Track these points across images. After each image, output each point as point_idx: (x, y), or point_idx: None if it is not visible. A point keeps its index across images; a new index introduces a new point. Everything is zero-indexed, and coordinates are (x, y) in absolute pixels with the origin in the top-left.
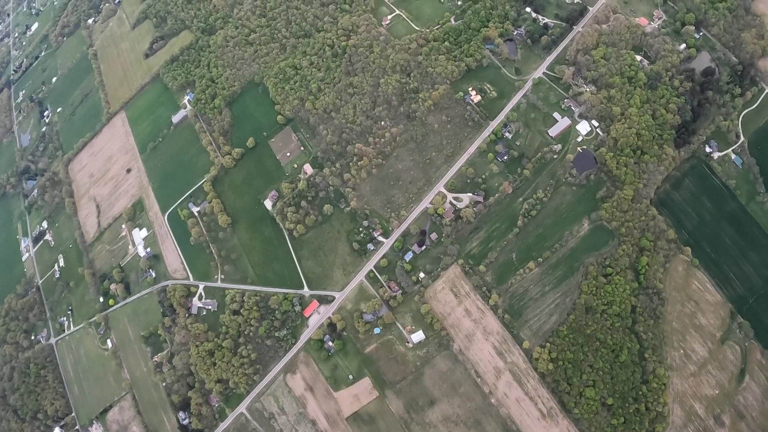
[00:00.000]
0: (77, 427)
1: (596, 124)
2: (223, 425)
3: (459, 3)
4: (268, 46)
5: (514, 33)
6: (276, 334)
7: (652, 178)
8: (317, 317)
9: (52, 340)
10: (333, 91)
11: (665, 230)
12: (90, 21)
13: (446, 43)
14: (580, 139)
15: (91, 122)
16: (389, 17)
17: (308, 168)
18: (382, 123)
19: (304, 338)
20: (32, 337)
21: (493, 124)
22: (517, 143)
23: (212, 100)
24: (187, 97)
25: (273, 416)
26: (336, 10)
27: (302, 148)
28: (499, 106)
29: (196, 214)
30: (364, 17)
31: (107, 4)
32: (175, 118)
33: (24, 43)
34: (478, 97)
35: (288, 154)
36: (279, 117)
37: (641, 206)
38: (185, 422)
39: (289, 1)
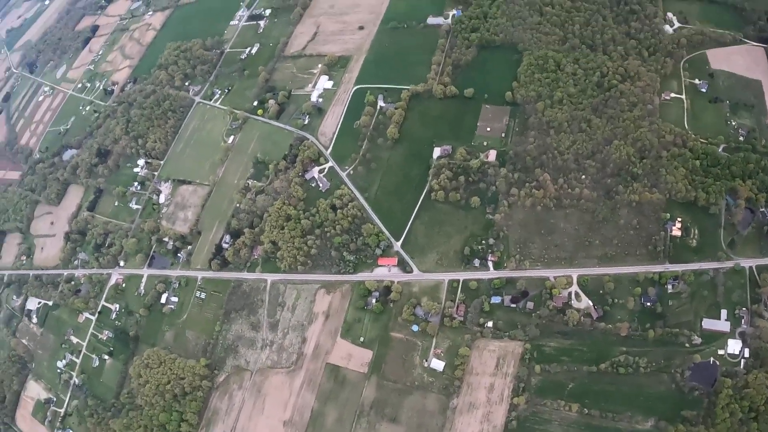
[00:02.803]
0: (156, 173)
1: (747, 355)
2: (245, 275)
3: (741, 139)
4: (552, 29)
5: (762, 209)
6: (344, 254)
7: None
8: (385, 272)
9: (197, 99)
10: (569, 112)
11: None
12: None
13: (697, 161)
14: (721, 352)
15: None
16: (671, 95)
17: (492, 154)
18: (582, 177)
19: (360, 277)
20: (186, 84)
21: (667, 268)
22: (669, 303)
23: (471, 32)
24: (454, 12)
25: (282, 306)
26: (635, 46)
27: (503, 135)
28: (686, 258)
29: (378, 107)
30: (650, 76)
31: None
32: (431, 20)
33: None
34: (678, 233)
35: (488, 129)
36: (508, 94)
37: None
38: (224, 246)
39: (601, 8)
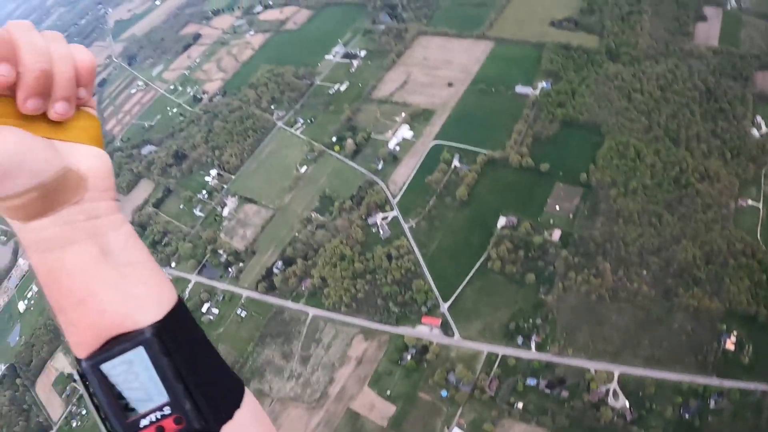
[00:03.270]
0: (225, 186)
1: None
2: (288, 304)
3: None
4: (638, 116)
5: None
6: (390, 305)
7: None
8: (426, 331)
9: (279, 123)
10: (642, 204)
11: None
12: None
13: (764, 275)
14: None
15: (466, 24)
16: (748, 201)
17: (556, 234)
18: (644, 272)
19: (401, 331)
20: (271, 107)
21: (714, 382)
22: (708, 418)
23: (557, 107)
24: (543, 84)
25: (318, 342)
26: (719, 146)
27: (571, 216)
28: (735, 374)
29: (453, 166)
30: (730, 179)
31: None
32: (519, 89)
33: None
34: (732, 347)
35: (557, 207)
36: (583, 175)
37: None
38: (275, 271)
39: (690, 102)
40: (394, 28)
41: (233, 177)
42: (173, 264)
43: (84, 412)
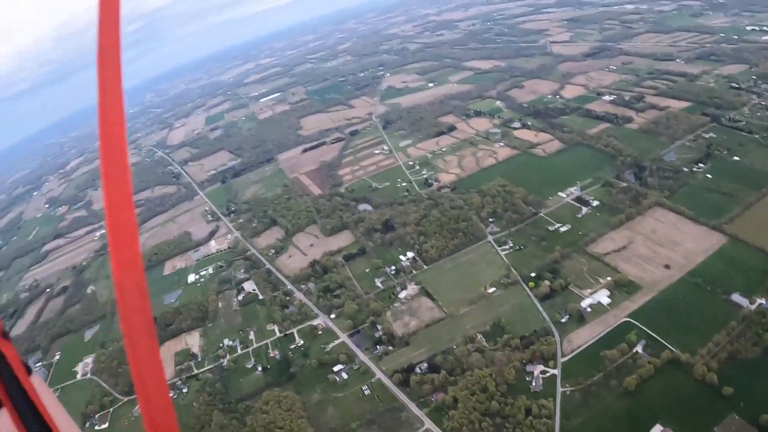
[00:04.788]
0: (414, 272)
1: None
2: (411, 405)
3: None
4: None
5: None
6: None
7: None
8: None
9: (490, 237)
10: None
11: None
12: None
13: None
14: None
15: (707, 210)
16: None
17: None
18: None
19: None
20: (489, 219)
21: None
22: None
23: (767, 332)
24: (762, 301)
25: None
26: None
27: None
28: None
29: (634, 350)
30: None
31: None
32: (735, 298)
33: None
34: None
35: None
36: (764, 417)
37: None
38: (417, 371)
39: None
40: (635, 190)
41: (425, 267)
42: (332, 315)
43: (185, 390)
